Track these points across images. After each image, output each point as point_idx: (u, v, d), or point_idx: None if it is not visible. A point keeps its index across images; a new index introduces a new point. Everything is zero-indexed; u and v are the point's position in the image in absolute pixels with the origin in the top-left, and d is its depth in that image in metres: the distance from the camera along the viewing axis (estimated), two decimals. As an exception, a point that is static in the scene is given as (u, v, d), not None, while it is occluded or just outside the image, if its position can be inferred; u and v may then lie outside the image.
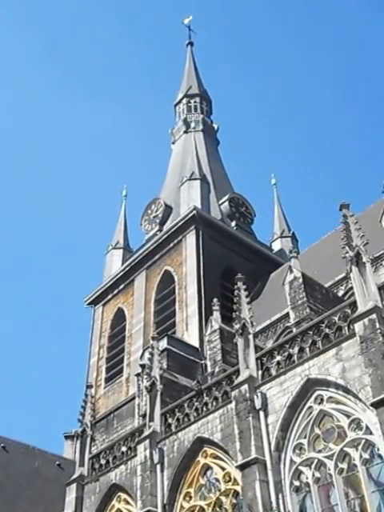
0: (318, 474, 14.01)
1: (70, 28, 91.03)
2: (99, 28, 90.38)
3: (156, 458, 17.43)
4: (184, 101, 44.13)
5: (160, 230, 34.72)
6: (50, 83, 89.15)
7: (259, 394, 15.35)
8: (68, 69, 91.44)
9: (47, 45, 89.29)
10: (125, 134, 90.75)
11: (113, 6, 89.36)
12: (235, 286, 17.82)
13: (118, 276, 35.33)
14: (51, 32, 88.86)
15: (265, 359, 16.04)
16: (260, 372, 15.92)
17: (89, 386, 22.75)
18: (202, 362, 24.95)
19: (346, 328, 14.55)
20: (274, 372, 15.62)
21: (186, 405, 17.75)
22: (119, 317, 34.44)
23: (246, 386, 15.62)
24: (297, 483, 14.30)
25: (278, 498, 14.12)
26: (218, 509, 15.63)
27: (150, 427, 18.22)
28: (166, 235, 33.33)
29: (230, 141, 53.95)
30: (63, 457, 27.89)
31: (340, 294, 22.99)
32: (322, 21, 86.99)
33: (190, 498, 16.45)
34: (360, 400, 13.64)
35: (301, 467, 14.33)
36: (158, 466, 17.32)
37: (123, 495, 18.55)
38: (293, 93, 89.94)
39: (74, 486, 19.96)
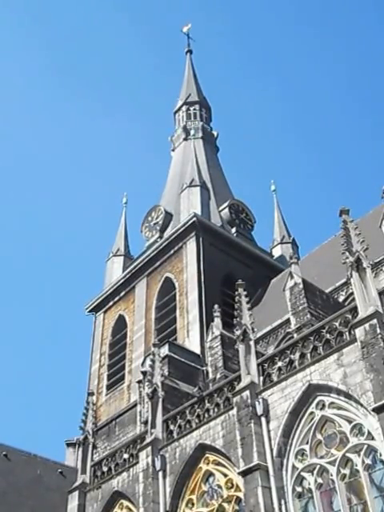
0: (320, 480, 14.00)
1: (72, 37, 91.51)
2: (99, 36, 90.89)
3: (158, 464, 17.42)
4: (183, 108, 44.32)
5: (160, 237, 34.78)
6: (48, 91, 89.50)
7: (261, 400, 15.35)
8: (68, 78, 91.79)
9: (50, 51, 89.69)
10: (125, 141, 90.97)
11: (112, 15, 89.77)
12: (236, 292, 17.85)
13: (119, 283, 35.36)
14: (54, 39, 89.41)
15: (266, 365, 16.06)
16: (261, 378, 15.92)
17: (90, 394, 22.76)
18: (204, 368, 24.95)
19: (347, 333, 14.57)
20: (275, 378, 15.64)
21: (187, 411, 17.75)
22: (120, 324, 34.45)
23: (247, 392, 15.62)
24: (299, 489, 14.29)
25: (280, 504, 14.11)
26: (220, 515, 15.62)
27: (151, 434, 18.22)
28: (167, 242, 33.38)
29: (230, 148, 54.36)
30: (65, 464, 27.81)
31: (341, 299, 23.02)
32: (321, 26, 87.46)
33: (193, 504, 16.44)
34: (361, 405, 13.64)
35: (303, 473, 14.32)
36: (160, 473, 17.32)
37: (125, 502, 18.54)
38: (292, 99, 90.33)
39: (76, 493, 19.95)
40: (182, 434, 17.45)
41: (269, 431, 14.99)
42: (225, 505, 15.61)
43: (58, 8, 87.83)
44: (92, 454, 20.79)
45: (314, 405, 14.64)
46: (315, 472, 14.09)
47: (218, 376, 21.88)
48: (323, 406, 14.48)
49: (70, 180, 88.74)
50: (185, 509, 16.54)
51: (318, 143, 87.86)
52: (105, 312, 35.83)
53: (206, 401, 17.33)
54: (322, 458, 14.11)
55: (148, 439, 18.23)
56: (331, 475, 13.79)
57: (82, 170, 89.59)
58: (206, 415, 17.09)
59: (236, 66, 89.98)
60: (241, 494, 15.05)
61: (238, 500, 15.30)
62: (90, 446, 20.84)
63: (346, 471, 13.65)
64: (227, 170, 42.21)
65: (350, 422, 13.88)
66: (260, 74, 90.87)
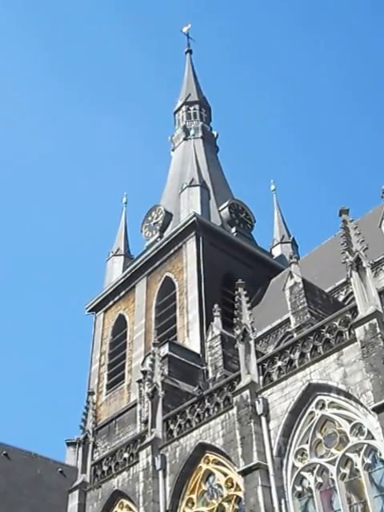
0: (320, 480, 14.01)
1: (72, 37, 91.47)
2: (99, 36, 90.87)
3: (158, 464, 17.44)
4: (183, 108, 44.32)
5: (160, 237, 34.81)
6: (48, 91, 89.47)
7: (260, 400, 15.37)
8: (68, 78, 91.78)
9: (50, 51, 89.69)
10: (125, 141, 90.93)
11: (112, 15, 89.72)
12: (236, 292, 17.86)
13: (119, 283, 35.39)
14: (54, 39, 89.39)
15: (266, 365, 16.07)
16: (261, 377, 15.94)
17: (90, 393, 22.78)
18: (204, 367, 24.96)
19: (347, 333, 14.58)
20: (275, 377, 15.65)
21: (187, 411, 17.77)
22: (120, 323, 34.48)
23: (247, 392, 15.64)
24: (299, 488, 14.31)
25: (280, 504, 14.12)
26: (220, 515, 15.64)
27: (151, 433, 18.24)
28: (167, 242, 33.41)
29: (230, 147, 54.30)
30: (65, 464, 27.85)
31: (340, 299, 23.04)
32: (321, 26, 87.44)
33: (193, 504, 16.45)
34: (361, 405, 13.65)
35: (303, 472, 14.34)
36: (160, 473, 17.34)
37: (125, 502, 18.55)
38: (292, 98, 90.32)
39: (76, 492, 19.97)
40: (182, 433, 17.47)
41: (269, 430, 15.00)
42: (225, 504, 15.62)
43: (58, 8, 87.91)
44: (92, 454, 20.81)
45: (313, 404, 14.65)
46: (315, 471, 14.11)
47: (218, 375, 21.89)
48: (323, 405, 14.49)
49: (70, 180, 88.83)
50: (185, 508, 16.56)
51: (318, 143, 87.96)
52: (105, 311, 35.86)
53: (206, 400, 17.35)
54: (321, 457, 14.13)
55: (148, 438, 18.25)
56: (331, 475, 13.81)
57: (82, 170, 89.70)
58: (206, 414, 17.11)
59: (236, 65, 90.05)
60: (241, 494, 15.07)
61: (238, 499, 15.31)
62: (90, 446, 20.86)
63: (346, 471, 13.66)
64: (227, 169, 42.29)
65: (349, 422, 13.89)
66: (260, 74, 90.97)
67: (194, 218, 32.26)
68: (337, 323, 14.98)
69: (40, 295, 79.76)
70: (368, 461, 13.38)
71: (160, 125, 65.94)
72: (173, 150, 42.87)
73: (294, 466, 14.53)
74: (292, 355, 15.53)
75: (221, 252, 32.64)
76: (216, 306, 25.22)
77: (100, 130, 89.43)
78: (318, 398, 14.60)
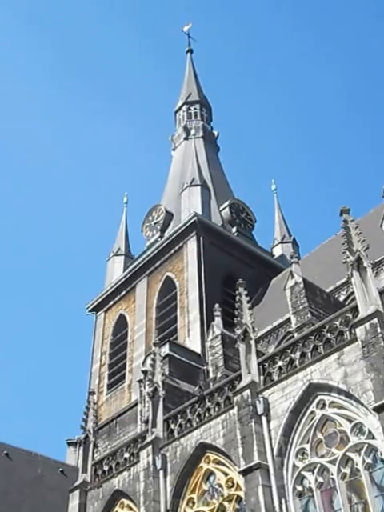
0: (320, 479, 14.03)
1: (72, 38, 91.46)
2: (99, 36, 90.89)
3: (159, 464, 17.45)
4: (184, 108, 44.32)
5: (161, 237, 34.81)
6: (49, 90, 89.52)
7: (261, 399, 15.37)
8: (69, 77, 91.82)
9: (50, 52, 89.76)
10: (125, 140, 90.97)
11: (112, 15, 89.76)
12: (236, 292, 17.87)
13: (120, 282, 35.40)
14: (54, 40, 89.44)
15: (267, 364, 16.08)
16: (262, 377, 15.95)
17: (91, 393, 22.78)
18: (204, 367, 24.98)
19: (348, 333, 14.59)
20: (275, 377, 15.66)
21: (188, 411, 17.78)
22: (121, 323, 34.49)
23: (248, 392, 15.65)
24: (300, 488, 14.32)
25: (280, 503, 14.13)
26: (220, 514, 15.64)
27: (152, 433, 18.25)
28: (167, 241, 33.42)
29: (230, 147, 54.26)
30: (66, 463, 27.88)
31: (341, 298, 23.04)
32: (321, 26, 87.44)
33: (193, 503, 16.47)
34: (362, 404, 13.66)
35: (303, 472, 14.35)
36: (161, 472, 17.35)
37: (126, 501, 18.57)
38: (292, 98, 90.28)
39: (77, 492, 19.98)
40: (182, 433, 17.48)
41: (269, 430, 15.01)
42: (225, 504, 15.64)
43: (58, 8, 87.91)
44: (93, 453, 20.82)
45: (314, 404, 14.66)
46: (316, 471, 14.12)
47: (219, 375, 21.90)
48: (324, 405, 14.50)
49: (70, 180, 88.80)
50: (185, 508, 16.57)
51: (319, 143, 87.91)
52: (106, 311, 35.88)
53: (207, 400, 17.35)
54: (322, 457, 14.14)
55: (149, 438, 18.26)
56: (332, 474, 13.82)
57: (82, 169, 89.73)
58: (207, 414, 17.12)
59: (236, 65, 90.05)
60: (241, 493, 15.08)
61: (239, 499, 15.33)
62: (91, 445, 20.87)
63: (347, 470, 13.68)
64: (228, 169, 42.29)
65: (350, 421, 13.90)
66: (260, 74, 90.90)
67: (195, 218, 32.27)
68: (337, 323, 14.98)
69: (41, 295, 79.86)
70: (368, 460, 13.39)
71: (160, 124, 66.19)
72: (173, 150, 42.87)
73: (294, 466, 14.54)
74: (293, 355, 15.54)
75: (221, 252, 32.65)
76: (217, 305, 25.23)
77: (100, 129, 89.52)
78: (319, 397, 14.61)
